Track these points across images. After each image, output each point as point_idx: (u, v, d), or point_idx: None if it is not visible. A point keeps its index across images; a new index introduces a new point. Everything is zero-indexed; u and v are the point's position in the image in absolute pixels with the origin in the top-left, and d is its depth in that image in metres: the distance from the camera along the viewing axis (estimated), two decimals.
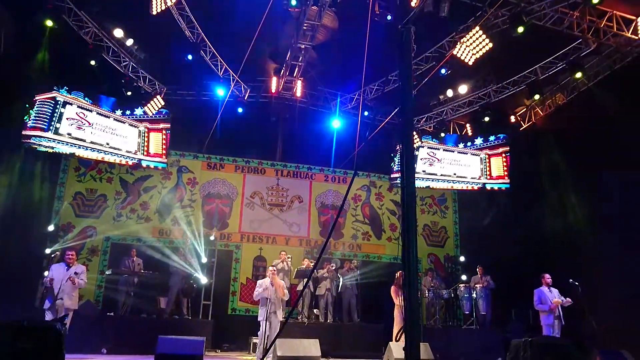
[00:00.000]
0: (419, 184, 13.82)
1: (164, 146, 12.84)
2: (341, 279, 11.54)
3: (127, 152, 12.47)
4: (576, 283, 8.59)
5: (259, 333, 7.96)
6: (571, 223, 11.49)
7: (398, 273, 9.32)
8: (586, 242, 11.05)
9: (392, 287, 9.48)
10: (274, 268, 8.61)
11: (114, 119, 12.35)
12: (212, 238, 12.61)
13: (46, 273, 9.48)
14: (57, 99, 11.53)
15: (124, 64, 12.07)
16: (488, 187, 14.37)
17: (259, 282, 8.30)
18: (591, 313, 8.51)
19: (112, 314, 10.52)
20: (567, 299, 8.62)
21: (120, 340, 9.71)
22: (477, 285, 11.81)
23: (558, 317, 8.55)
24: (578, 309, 8.55)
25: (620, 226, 10.32)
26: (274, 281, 8.06)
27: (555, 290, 8.76)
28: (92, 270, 12.06)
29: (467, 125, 15.10)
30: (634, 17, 10.20)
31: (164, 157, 12.88)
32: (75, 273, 7.71)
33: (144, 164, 12.71)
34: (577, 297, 8.50)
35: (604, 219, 10.71)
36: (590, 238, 10.97)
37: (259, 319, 7.98)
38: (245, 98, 13.51)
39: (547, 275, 8.88)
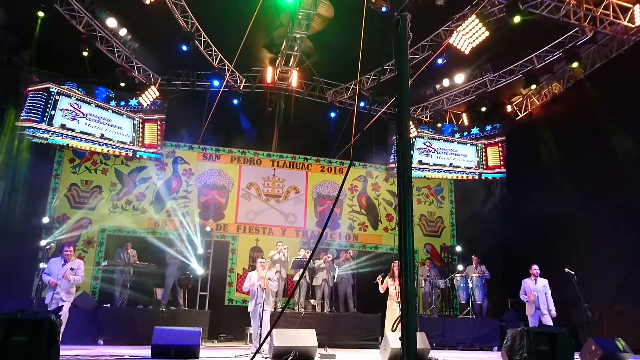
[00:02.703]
0: (415, 174, 13.81)
1: (158, 137, 12.78)
2: (337, 269, 11.54)
3: (122, 143, 12.40)
4: (572, 272, 8.61)
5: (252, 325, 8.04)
6: (567, 212, 11.48)
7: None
8: (582, 231, 11.07)
9: (387, 278, 9.44)
10: (263, 260, 8.55)
11: (108, 110, 12.26)
12: (208, 229, 12.58)
13: (42, 265, 9.46)
14: (51, 89, 11.45)
15: (118, 53, 11.95)
16: (484, 177, 14.40)
17: (248, 274, 8.29)
18: (586, 301, 8.55)
19: (108, 305, 10.53)
20: (552, 310, 8.54)
21: (116, 332, 9.74)
22: (473, 275, 11.84)
23: (538, 309, 8.54)
24: (574, 297, 8.57)
25: (618, 214, 10.34)
26: (258, 272, 8.03)
27: (541, 282, 8.73)
28: (88, 261, 12.01)
29: (464, 114, 15.07)
30: (630, 5, 10.14)
31: (159, 148, 12.83)
32: (71, 269, 7.65)
33: (138, 155, 12.67)
34: (573, 285, 8.51)
35: (601, 207, 10.73)
36: (586, 227, 10.99)
37: (249, 310, 8.03)
38: (241, 88, 13.44)
39: (534, 267, 8.86)
